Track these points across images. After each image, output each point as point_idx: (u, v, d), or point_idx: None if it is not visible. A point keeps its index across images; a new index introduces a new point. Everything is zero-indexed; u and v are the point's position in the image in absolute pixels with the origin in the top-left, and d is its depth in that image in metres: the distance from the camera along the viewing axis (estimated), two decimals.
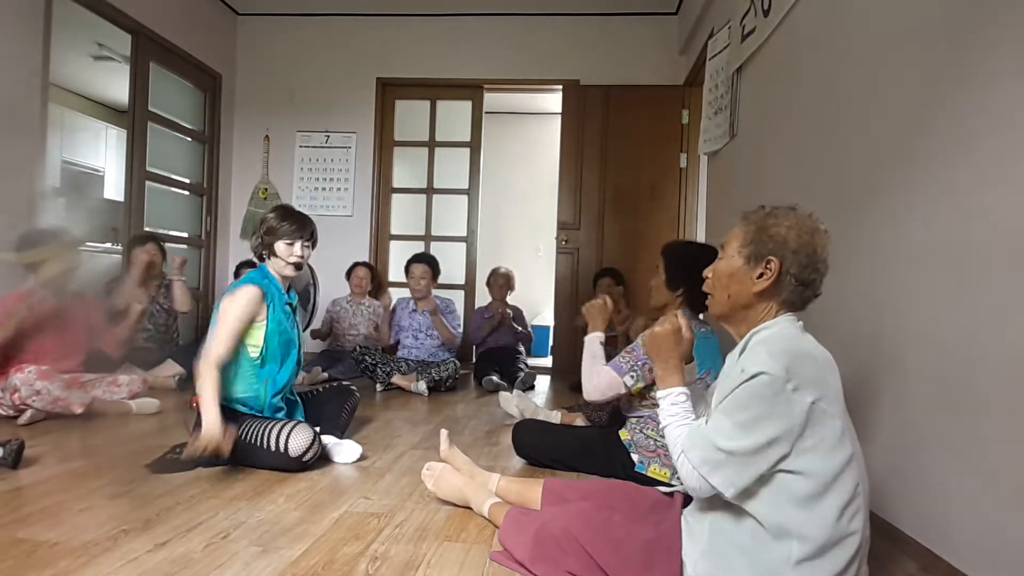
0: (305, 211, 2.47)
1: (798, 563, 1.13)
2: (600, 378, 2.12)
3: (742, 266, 1.25)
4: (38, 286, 2.84)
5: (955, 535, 1.51)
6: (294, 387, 2.47)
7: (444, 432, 2.00)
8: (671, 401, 1.35)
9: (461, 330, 4.50)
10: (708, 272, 1.34)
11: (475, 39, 5.09)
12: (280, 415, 2.29)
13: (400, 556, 1.51)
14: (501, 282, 4.85)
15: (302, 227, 2.33)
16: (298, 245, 2.32)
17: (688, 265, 2.16)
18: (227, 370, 2.19)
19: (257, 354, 2.23)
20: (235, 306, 2.17)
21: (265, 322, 2.23)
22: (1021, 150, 1.34)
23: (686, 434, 1.26)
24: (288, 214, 2.34)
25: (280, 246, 2.29)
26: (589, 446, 2.26)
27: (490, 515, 1.71)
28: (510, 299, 4.94)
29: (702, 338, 2.02)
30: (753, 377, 1.14)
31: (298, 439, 2.08)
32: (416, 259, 4.28)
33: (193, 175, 4.92)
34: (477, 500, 1.78)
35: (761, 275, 1.23)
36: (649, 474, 2.09)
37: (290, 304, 2.36)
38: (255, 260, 2.39)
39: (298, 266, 2.33)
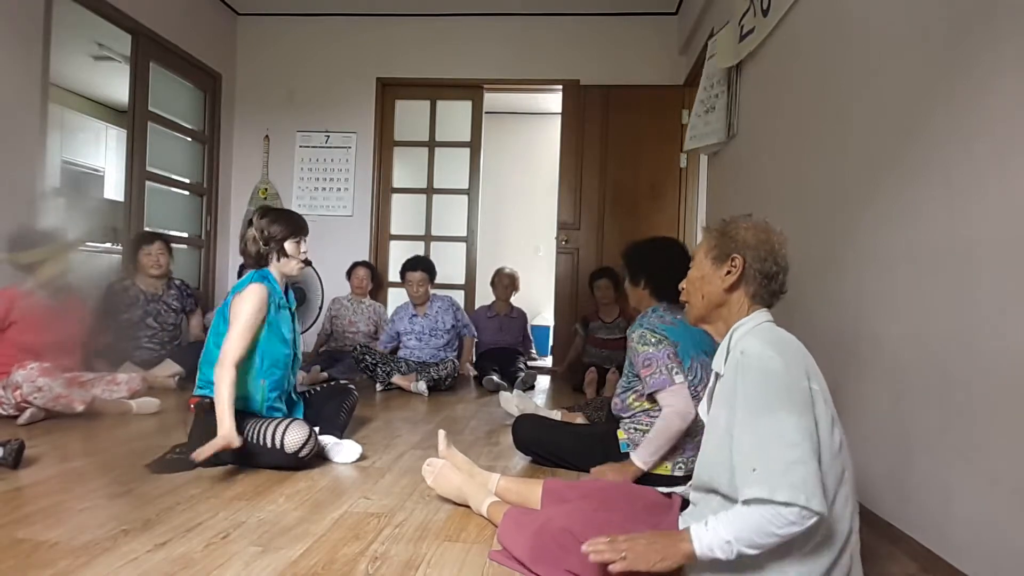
0: (305, 211, 2.48)
1: (795, 556, 1.14)
2: (676, 410, 1.98)
3: (710, 268, 1.38)
4: (36, 286, 2.85)
5: (955, 535, 1.51)
6: (295, 386, 2.47)
7: (442, 433, 2.00)
8: (711, 542, 1.13)
9: (473, 329, 4.50)
10: (683, 284, 1.46)
11: (475, 39, 5.09)
12: (277, 415, 2.29)
13: (400, 556, 1.51)
14: (506, 282, 4.86)
15: (304, 224, 2.36)
16: (304, 242, 2.35)
17: (641, 257, 2.25)
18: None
19: (252, 363, 2.22)
20: (247, 305, 2.16)
21: (264, 325, 2.23)
22: (1020, 149, 1.34)
23: (737, 512, 1.12)
24: (283, 214, 2.34)
25: (290, 246, 2.30)
26: (588, 443, 2.26)
27: (489, 514, 1.71)
28: (513, 300, 4.95)
29: (682, 327, 2.03)
30: (755, 369, 1.17)
31: (294, 435, 2.08)
32: (412, 266, 4.24)
33: (193, 175, 4.91)
34: (476, 499, 1.79)
35: (728, 272, 1.34)
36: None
37: (289, 308, 2.36)
38: (254, 267, 2.33)
39: (307, 262, 2.37)
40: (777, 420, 1.11)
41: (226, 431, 2.02)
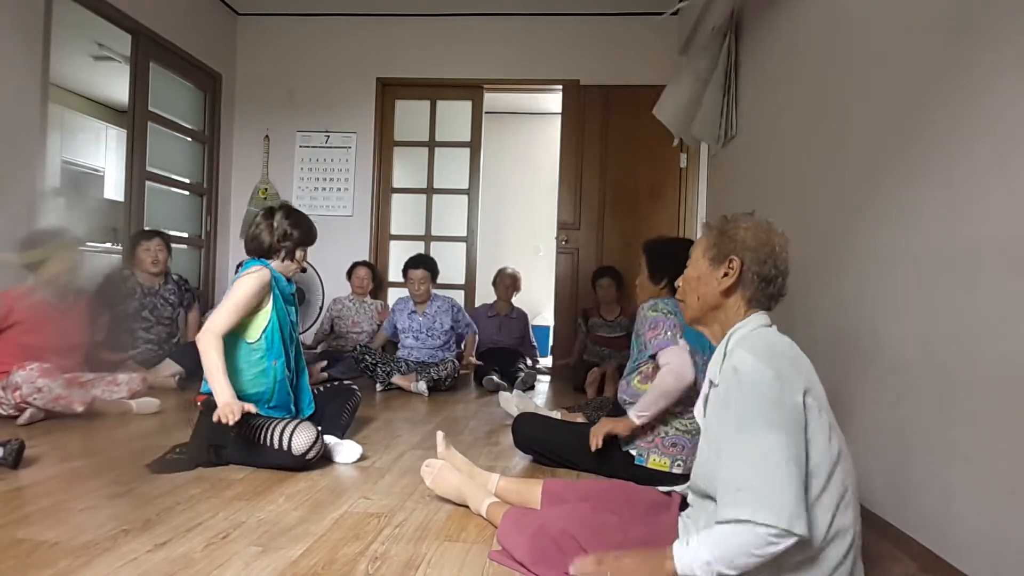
0: (305, 211, 2.51)
1: (797, 561, 1.14)
2: (671, 368, 2.01)
3: (707, 268, 1.34)
4: (39, 285, 2.85)
5: (955, 535, 1.51)
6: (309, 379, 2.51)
7: (440, 434, 2.00)
8: (691, 562, 1.12)
9: (474, 326, 4.51)
10: (679, 282, 1.44)
11: (475, 39, 5.09)
12: (288, 400, 2.32)
13: (400, 556, 1.51)
14: (507, 282, 4.86)
15: (316, 235, 2.44)
16: (306, 251, 2.42)
17: (667, 257, 2.26)
18: (232, 366, 2.20)
19: (260, 345, 2.24)
20: (249, 284, 2.19)
21: (269, 312, 2.25)
22: (1020, 149, 1.34)
23: (717, 531, 1.11)
24: (302, 218, 2.40)
25: (299, 251, 2.37)
26: (588, 442, 2.26)
27: (488, 515, 1.71)
28: (514, 300, 4.95)
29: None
30: (745, 384, 1.14)
31: (301, 437, 2.08)
32: (414, 264, 4.26)
33: (193, 175, 4.91)
34: (475, 499, 1.78)
35: (725, 274, 1.31)
36: (649, 465, 2.10)
37: (292, 293, 2.41)
38: (257, 256, 2.36)
39: (303, 269, 2.44)
40: (765, 439, 1.09)
41: (227, 398, 2.03)
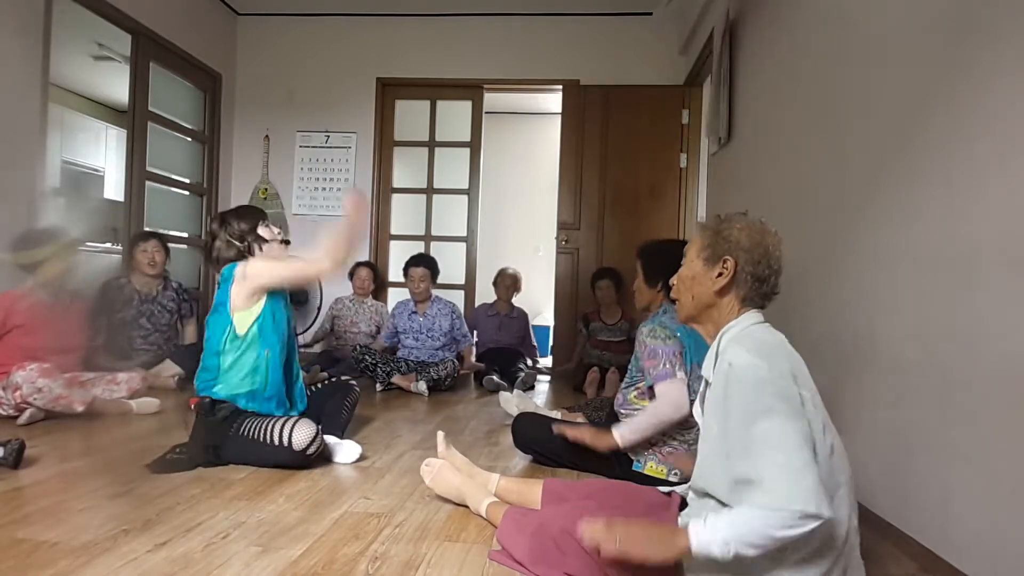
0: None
1: (793, 558, 1.14)
2: (669, 399, 2.02)
3: (701, 268, 1.35)
4: (37, 286, 2.85)
5: (955, 535, 1.51)
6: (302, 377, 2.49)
7: (440, 434, 2.00)
8: (708, 540, 1.10)
9: (471, 338, 4.53)
10: (673, 280, 1.44)
11: (475, 39, 5.09)
12: (283, 394, 2.30)
13: (400, 556, 1.51)
14: (508, 283, 4.86)
15: (261, 209, 2.44)
16: (271, 226, 2.40)
17: (662, 260, 2.22)
18: (224, 364, 2.20)
19: (251, 336, 2.22)
20: (261, 262, 2.25)
21: (261, 306, 2.24)
22: (1020, 149, 1.34)
23: (738, 512, 1.10)
24: (239, 209, 2.42)
25: (263, 231, 2.35)
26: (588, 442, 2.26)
27: (487, 514, 1.71)
28: (514, 300, 4.95)
29: (689, 331, 2.04)
30: (744, 380, 1.15)
31: (301, 433, 2.08)
32: (414, 262, 4.27)
33: (193, 175, 4.91)
34: (475, 499, 1.78)
35: (719, 274, 1.32)
36: (646, 472, 2.10)
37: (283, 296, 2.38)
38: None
39: (286, 241, 2.42)
40: (777, 426, 1.10)
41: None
